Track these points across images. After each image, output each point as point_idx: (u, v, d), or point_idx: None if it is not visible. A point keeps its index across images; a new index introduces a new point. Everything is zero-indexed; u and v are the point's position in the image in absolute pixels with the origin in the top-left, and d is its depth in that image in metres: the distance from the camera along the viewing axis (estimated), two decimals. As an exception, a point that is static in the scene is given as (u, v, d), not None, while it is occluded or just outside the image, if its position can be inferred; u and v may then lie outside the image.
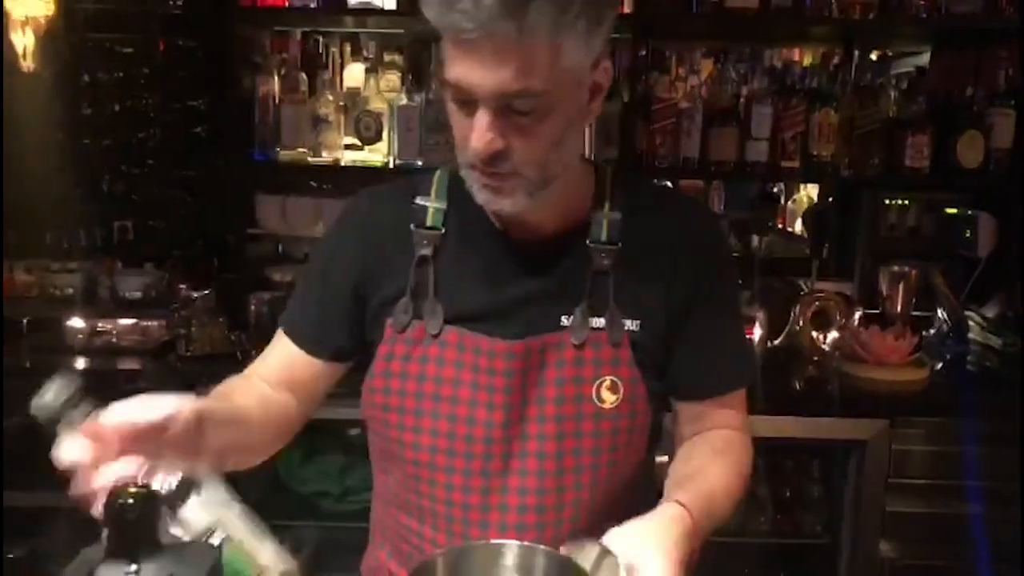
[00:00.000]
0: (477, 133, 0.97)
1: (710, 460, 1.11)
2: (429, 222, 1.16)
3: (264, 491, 2.40)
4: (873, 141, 2.58)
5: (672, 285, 1.14)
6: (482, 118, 0.96)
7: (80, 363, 2.33)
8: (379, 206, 1.21)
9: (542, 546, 0.66)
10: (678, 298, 1.14)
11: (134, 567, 0.61)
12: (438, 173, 1.21)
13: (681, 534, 0.92)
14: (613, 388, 1.11)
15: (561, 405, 1.10)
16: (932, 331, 2.63)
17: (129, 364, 2.34)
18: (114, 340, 2.37)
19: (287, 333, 1.21)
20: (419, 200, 1.17)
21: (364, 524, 1.43)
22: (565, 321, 1.11)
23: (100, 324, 2.37)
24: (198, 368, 2.23)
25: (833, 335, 2.51)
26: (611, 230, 1.13)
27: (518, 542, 0.67)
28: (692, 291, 1.14)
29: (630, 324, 1.12)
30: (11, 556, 2.32)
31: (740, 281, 1.67)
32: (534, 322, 1.11)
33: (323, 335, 1.19)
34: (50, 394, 0.74)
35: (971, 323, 2.64)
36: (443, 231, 1.15)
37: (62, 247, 2.67)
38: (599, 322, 1.11)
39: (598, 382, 1.11)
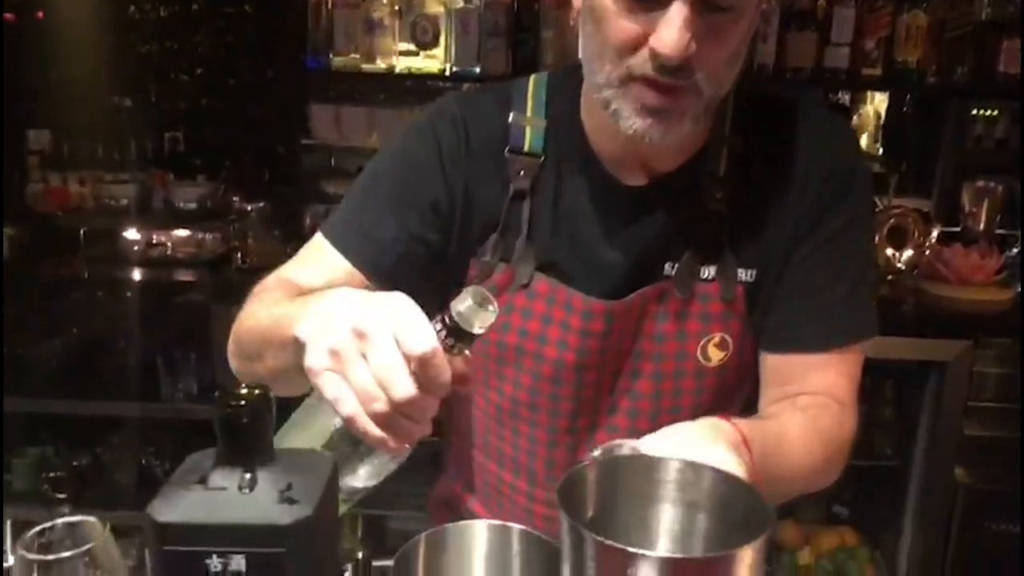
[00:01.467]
0: (671, 32, 0.78)
1: (787, 412, 0.94)
2: (527, 146, 0.98)
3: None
4: (964, 45, 2.41)
5: (799, 224, 0.96)
6: (678, 12, 0.78)
7: (136, 274, 2.30)
8: (471, 116, 1.00)
9: (709, 464, 0.59)
10: (802, 236, 0.97)
11: (248, 475, 0.55)
12: (533, 81, 1.02)
13: (732, 444, 0.77)
14: (722, 345, 0.98)
15: (660, 362, 0.99)
16: (1015, 251, 2.50)
17: (185, 276, 2.31)
18: (170, 252, 2.34)
19: (340, 248, 1.00)
20: (514, 116, 0.99)
21: (422, 441, 1.39)
22: (669, 270, 0.97)
23: (156, 236, 2.34)
24: (254, 280, 2.18)
25: (909, 253, 2.40)
26: (731, 161, 0.96)
27: (681, 459, 0.60)
28: (814, 225, 0.96)
29: (745, 274, 0.97)
30: (76, 464, 2.34)
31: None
32: (636, 276, 0.97)
33: (382, 257, 0.99)
34: (468, 300, 0.68)
35: (1057, 244, 2.51)
36: (542, 159, 0.98)
37: (113, 158, 2.62)
38: (710, 272, 0.97)
39: (705, 339, 0.98)
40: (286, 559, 0.52)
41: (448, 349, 0.66)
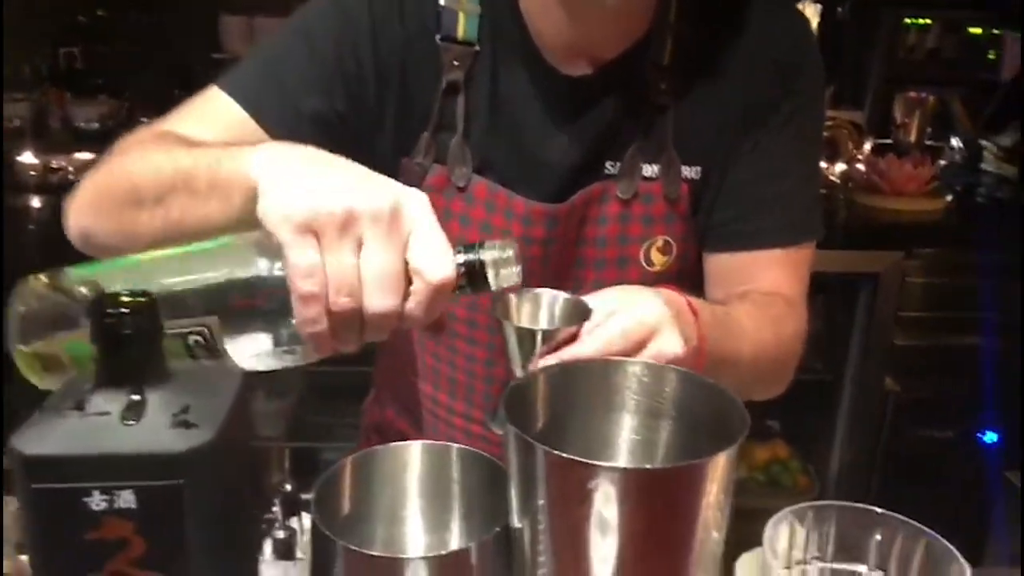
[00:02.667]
0: None
1: (735, 301, 0.89)
2: (460, 33, 0.90)
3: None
4: (897, -49, 2.37)
5: (747, 116, 0.91)
6: None
7: (35, 202, 2.14)
8: None
9: (672, 367, 0.53)
10: (749, 129, 0.92)
11: (135, 396, 0.46)
12: None
13: (673, 304, 0.72)
14: (665, 248, 0.93)
15: (602, 269, 0.93)
16: (944, 161, 2.52)
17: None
18: (71, 176, 2.16)
19: (238, 98, 0.87)
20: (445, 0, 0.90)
21: (349, 368, 1.33)
22: (611, 168, 0.91)
23: (54, 160, 2.16)
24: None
25: (842, 166, 2.39)
26: (676, 50, 0.89)
27: (639, 361, 0.54)
28: (762, 117, 0.92)
29: (690, 171, 0.92)
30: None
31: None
32: (577, 176, 0.91)
33: (298, 123, 0.87)
34: (508, 251, 0.61)
35: (985, 153, 2.53)
36: (477, 48, 0.90)
37: (2, 75, 2.41)
38: (652, 170, 0.91)
39: (648, 243, 0.92)
40: (184, 492, 0.44)
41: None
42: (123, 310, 0.46)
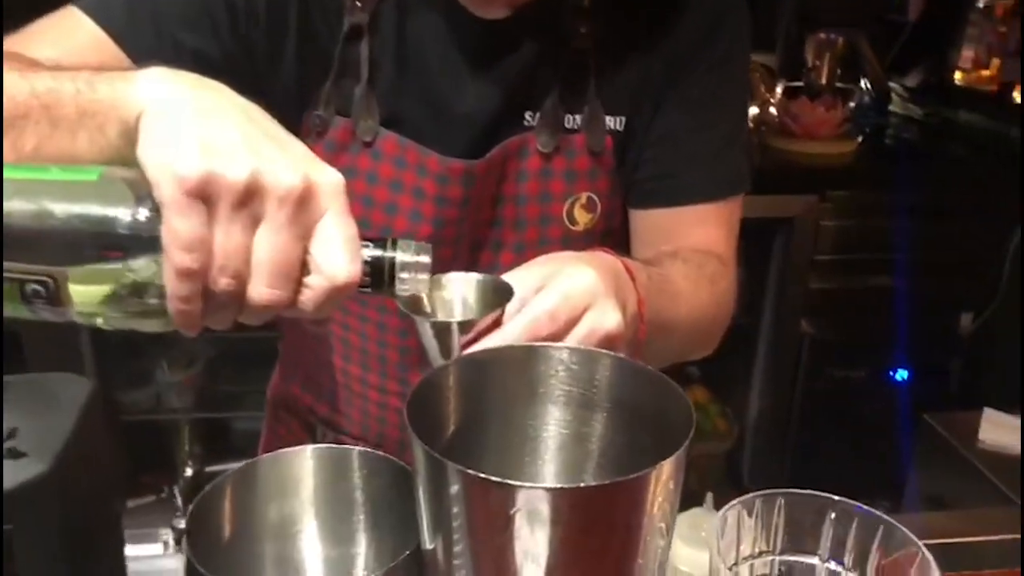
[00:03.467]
0: None
1: (667, 260, 0.85)
2: None
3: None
4: None
5: (672, 63, 0.86)
6: None
7: None
8: None
9: (603, 352, 0.46)
10: (675, 76, 0.87)
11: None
12: None
13: (608, 270, 0.66)
14: (589, 206, 0.87)
15: (523, 230, 0.87)
16: (853, 104, 2.52)
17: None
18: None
19: (100, 19, 0.77)
20: None
21: (259, 334, 1.25)
22: (530, 119, 0.85)
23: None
24: None
25: (754, 110, 2.37)
26: None
27: (566, 346, 0.47)
28: (688, 64, 0.87)
29: (613, 122, 0.86)
30: None
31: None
32: (494, 129, 0.85)
33: (169, 39, 0.78)
34: (423, 256, 0.53)
35: (893, 94, 2.54)
36: None
37: None
38: (574, 121, 0.85)
39: (571, 200, 0.86)
40: (14, 538, 0.35)
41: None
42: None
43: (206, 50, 0.79)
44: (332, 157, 0.84)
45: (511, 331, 0.55)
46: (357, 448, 0.47)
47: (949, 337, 2.40)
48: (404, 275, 0.53)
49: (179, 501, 1.09)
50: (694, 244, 0.88)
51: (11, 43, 0.74)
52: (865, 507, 0.46)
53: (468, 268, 0.81)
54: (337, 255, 0.51)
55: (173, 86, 0.54)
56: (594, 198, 0.88)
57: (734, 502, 0.45)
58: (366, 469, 0.47)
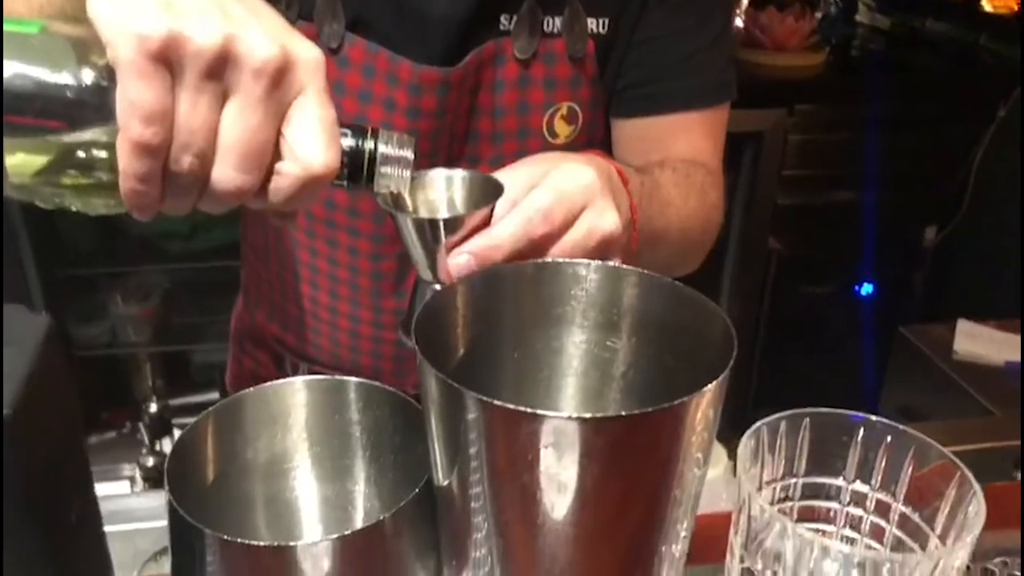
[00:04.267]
0: None
1: (656, 168, 0.82)
2: None
3: (102, 237, 2.10)
4: None
5: None
6: None
7: None
8: None
9: (625, 267, 0.41)
10: None
11: None
12: None
13: (602, 170, 0.62)
14: (570, 117, 0.83)
15: (500, 143, 0.83)
16: (819, 14, 2.48)
17: None
18: None
19: None
20: None
21: (218, 262, 1.21)
22: (506, 23, 0.80)
23: None
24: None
25: (722, 22, 2.31)
26: None
27: (586, 261, 0.42)
28: None
29: (596, 24, 0.82)
30: None
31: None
32: (468, 34, 0.79)
33: None
34: (405, 151, 0.49)
35: (859, 3, 2.51)
36: None
37: None
38: (554, 24, 0.80)
39: (551, 110, 0.82)
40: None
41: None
42: None
43: None
44: None
45: (503, 230, 0.51)
46: (353, 379, 0.43)
47: (914, 250, 2.43)
48: (385, 169, 0.48)
49: (145, 438, 1.05)
50: (681, 154, 0.84)
51: None
52: (896, 424, 0.43)
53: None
54: (313, 140, 0.45)
55: None
56: (575, 108, 0.83)
57: (759, 423, 0.42)
58: (362, 401, 0.43)
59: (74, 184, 0.42)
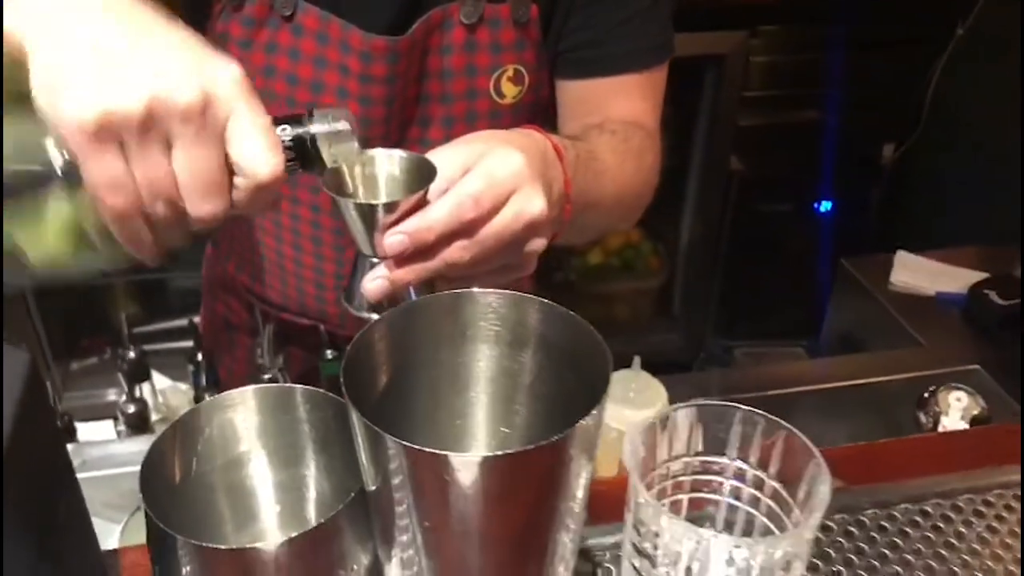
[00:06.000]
0: None
1: (594, 134, 0.84)
2: None
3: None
4: None
5: None
6: None
7: None
8: None
9: (530, 297, 0.47)
10: None
11: None
12: None
13: (535, 151, 0.65)
14: (516, 78, 0.87)
15: (450, 104, 0.87)
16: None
17: None
18: None
19: None
20: None
21: None
22: None
23: None
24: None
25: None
26: None
27: (495, 292, 0.48)
28: None
29: None
30: None
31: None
32: (414, 1, 0.82)
33: None
34: (339, 124, 0.54)
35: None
36: None
37: None
38: None
39: (498, 72, 0.86)
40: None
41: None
42: None
43: None
44: (250, 33, 0.83)
45: (435, 213, 0.56)
46: (299, 387, 0.49)
47: (872, 168, 2.47)
48: (327, 147, 0.53)
49: (124, 384, 1.12)
50: (620, 116, 0.88)
51: None
52: (767, 415, 0.50)
53: (398, 145, 0.82)
54: (254, 152, 0.50)
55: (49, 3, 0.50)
56: (521, 70, 0.87)
57: (652, 418, 0.49)
58: (308, 404, 0.50)
59: (84, 247, 0.48)
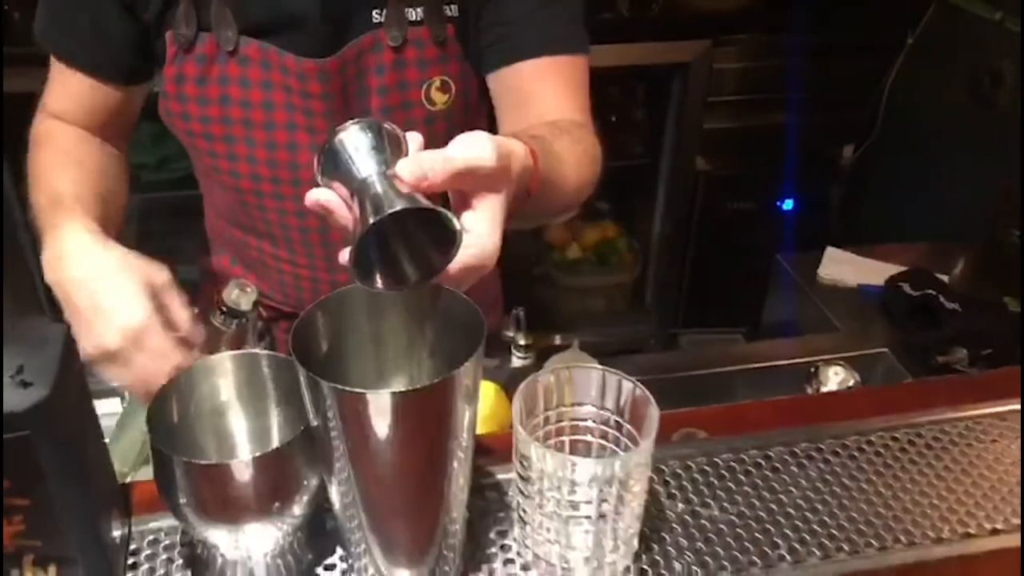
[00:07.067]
0: None
1: (549, 131, 0.88)
2: None
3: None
4: None
5: None
6: None
7: None
8: None
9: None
10: None
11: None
12: None
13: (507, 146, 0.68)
14: (444, 88, 0.99)
15: (389, 114, 0.98)
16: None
17: None
18: None
19: (71, 63, 1.00)
20: None
21: (186, 191, 1.38)
22: (378, 16, 0.95)
23: None
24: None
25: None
26: None
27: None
28: None
29: (449, 10, 0.96)
30: None
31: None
32: (345, 26, 0.94)
33: (111, 56, 0.99)
34: (235, 290, 0.91)
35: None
36: None
37: None
38: (417, 13, 0.95)
39: (426, 84, 0.98)
40: (32, 439, 0.53)
41: (225, 326, 0.89)
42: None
43: (129, 29, 0.98)
44: (203, 70, 0.96)
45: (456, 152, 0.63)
46: (265, 352, 0.66)
47: (832, 168, 2.58)
48: (239, 303, 0.89)
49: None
50: (554, 109, 0.95)
51: (47, 99, 1.04)
52: (622, 374, 0.66)
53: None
54: (189, 329, 0.79)
55: (52, 269, 0.80)
56: (447, 80, 0.99)
57: (529, 378, 0.66)
58: (273, 367, 0.66)
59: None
